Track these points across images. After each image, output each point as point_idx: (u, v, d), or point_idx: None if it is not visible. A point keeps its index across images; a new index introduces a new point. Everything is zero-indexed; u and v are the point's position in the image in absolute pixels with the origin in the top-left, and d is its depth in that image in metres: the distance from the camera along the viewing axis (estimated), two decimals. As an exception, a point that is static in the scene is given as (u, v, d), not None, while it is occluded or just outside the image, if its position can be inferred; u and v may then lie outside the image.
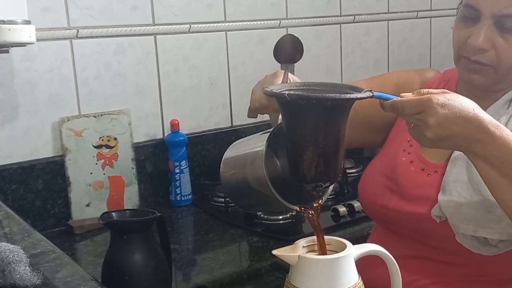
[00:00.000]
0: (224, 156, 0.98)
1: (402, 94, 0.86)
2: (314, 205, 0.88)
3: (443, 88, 1.14)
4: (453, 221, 0.99)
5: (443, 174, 1.04)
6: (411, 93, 0.87)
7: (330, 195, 1.02)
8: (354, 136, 1.13)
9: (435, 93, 0.85)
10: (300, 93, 0.81)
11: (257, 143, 0.91)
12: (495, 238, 0.96)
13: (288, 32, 1.95)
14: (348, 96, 0.79)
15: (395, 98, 0.85)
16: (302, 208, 0.88)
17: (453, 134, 0.84)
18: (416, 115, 0.84)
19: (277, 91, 0.81)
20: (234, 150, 0.97)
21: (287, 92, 0.79)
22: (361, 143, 1.28)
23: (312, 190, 0.86)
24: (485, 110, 1.02)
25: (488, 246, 0.98)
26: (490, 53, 1.01)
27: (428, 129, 0.83)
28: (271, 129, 0.91)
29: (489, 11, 1.00)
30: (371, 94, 0.82)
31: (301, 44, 0.95)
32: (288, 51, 0.94)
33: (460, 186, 1.00)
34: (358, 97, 0.80)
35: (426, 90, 0.86)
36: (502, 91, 1.06)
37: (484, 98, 1.05)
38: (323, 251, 0.86)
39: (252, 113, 1.05)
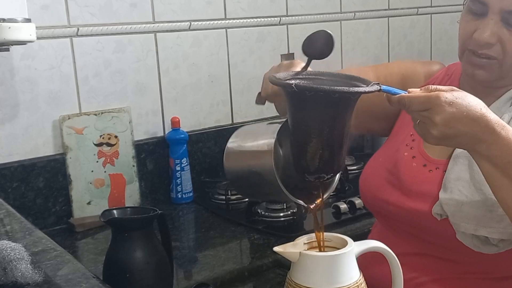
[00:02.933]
0: (229, 144, 0.97)
1: (410, 90, 0.85)
2: (317, 201, 0.88)
3: (447, 83, 1.14)
4: (454, 220, 0.99)
5: (445, 171, 1.04)
6: (418, 89, 0.86)
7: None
8: (356, 123, 1.12)
9: (444, 91, 0.84)
10: (307, 84, 0.80)
11: (265, 135, 0.90)
12: (496, 238, 0.96)
13: (288, 29, 1.96)
14: (356, 89, 0.78)
15: (403, 93, 0.84)
16: (306, 204, 0.88)
17: (459, 133, 0.83)
18: (423, 112, 0.83)
19: (284, 81, 0.80)
20: (240, 138, 0.96)
21: (294, 82, 0.78)
22: (362, 129, 1.26)
23: (314, 181, 0.85)
24: (487, 107, 1.02)
25: (489, 245, 0.98)
26: (496, 46, 1.00)
27: (434, 126, 0.83)
28: (277, 120, 0.91)
29: (497, 6, 0.99)
30: (378, 88, 0.81)
31: (332, 45, 0.92)
32: (318, 47, 0.92)
33: (461, 185, 0.99)
34: (366, 90, 0.79)
35: (434, 86, 0.85)
36: (504, 88, 1.06)
37: (487, 95, 1.05)
38: (323, 248, 0.86)
39: (261, 100, 1.02)
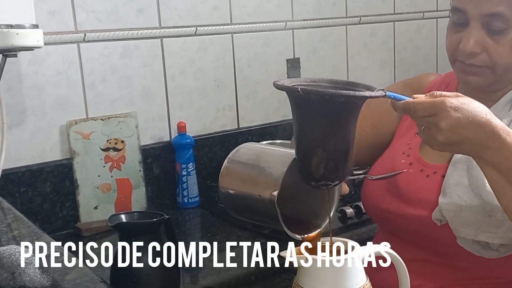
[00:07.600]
0: (230, 158, 0.97)
1: (415, 96, 0.85)
2: (313, 233, 0.89)
3: (444, 90, 1.15)
4: (453, 225, 0.99)
5: (443, 176, 1.04)
6: (423, 95, 0.86)
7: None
8: (362, 158, 1.20)
9: (449, 96, 0.83)
10: (313, 88, 0.80)
11: (273, 166, 0.90)
12: (496, 243, 0.96)
13: (294, 34, 1.96)
14: (361, 93, 0.78)
15: (408, 99, 0.84)
16: (302, 237, 0.89)
17: (464, 139, 0.83)
18: (428, 117, 0.83)
19: (290, 85, 0.81)
20: (244, 158, 0.98)
21: (299, 87, 0.78)
22: (369, 163, 1.28)
23: (320, 188, 0.85)
24: None
25: (489, 250, 0.97)
26: (483, 55, 1.01)
27: (440, 132, 0.82)
28: (286, 151, 0.92)
29: (475, 12, 1.00)
30: (383, 93, 0.81)
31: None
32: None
33: (460, 190, 0.99)
34: (372, 95, 0.79)
35: (439, 92, 0.85)
36: (501, 91, 1.06)
37: (484, 100, 1.05)
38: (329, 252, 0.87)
39: None
